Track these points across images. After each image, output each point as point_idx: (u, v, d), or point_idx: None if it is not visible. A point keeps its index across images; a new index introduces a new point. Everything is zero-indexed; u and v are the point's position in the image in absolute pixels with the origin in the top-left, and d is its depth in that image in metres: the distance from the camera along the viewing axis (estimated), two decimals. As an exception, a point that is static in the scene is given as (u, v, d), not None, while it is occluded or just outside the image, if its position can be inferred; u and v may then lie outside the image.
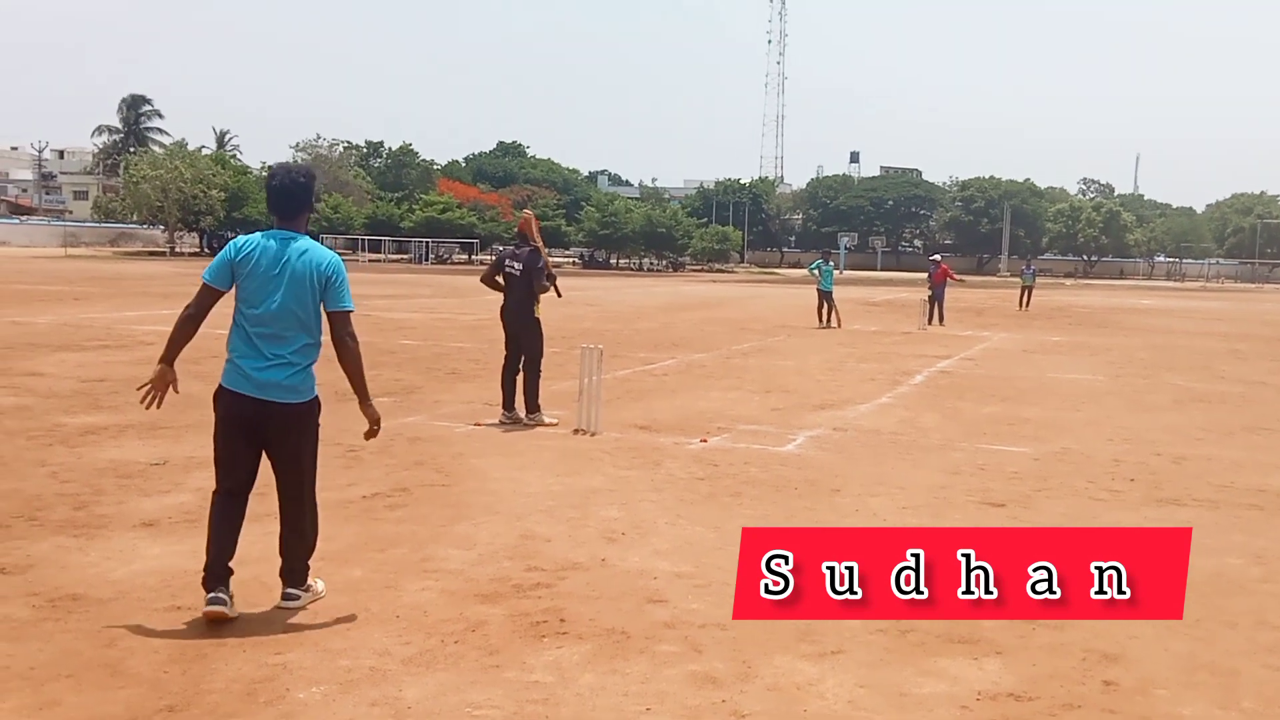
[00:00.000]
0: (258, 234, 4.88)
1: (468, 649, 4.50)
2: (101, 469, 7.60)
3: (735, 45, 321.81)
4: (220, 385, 4.77)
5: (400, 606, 4.98)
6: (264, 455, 4.87)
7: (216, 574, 4.68)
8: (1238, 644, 4.84)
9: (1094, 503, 7.50)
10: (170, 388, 4.83)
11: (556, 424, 9.84)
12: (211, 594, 4.63)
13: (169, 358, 4.80)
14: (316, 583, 5.05)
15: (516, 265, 10.12)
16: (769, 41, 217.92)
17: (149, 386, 4.80)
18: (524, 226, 10.37)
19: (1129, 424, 11.15)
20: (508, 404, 10.05)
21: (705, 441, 9.33)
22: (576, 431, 9.57)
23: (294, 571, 4.94)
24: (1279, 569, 6.04)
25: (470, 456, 8.41)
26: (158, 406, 4.85)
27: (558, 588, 5.32)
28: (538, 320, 10.11)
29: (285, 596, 4.89)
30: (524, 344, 10.08)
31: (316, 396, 4.91)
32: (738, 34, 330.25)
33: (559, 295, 10.49)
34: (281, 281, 4.71)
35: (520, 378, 10.06)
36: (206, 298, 4.79)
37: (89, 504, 6.65)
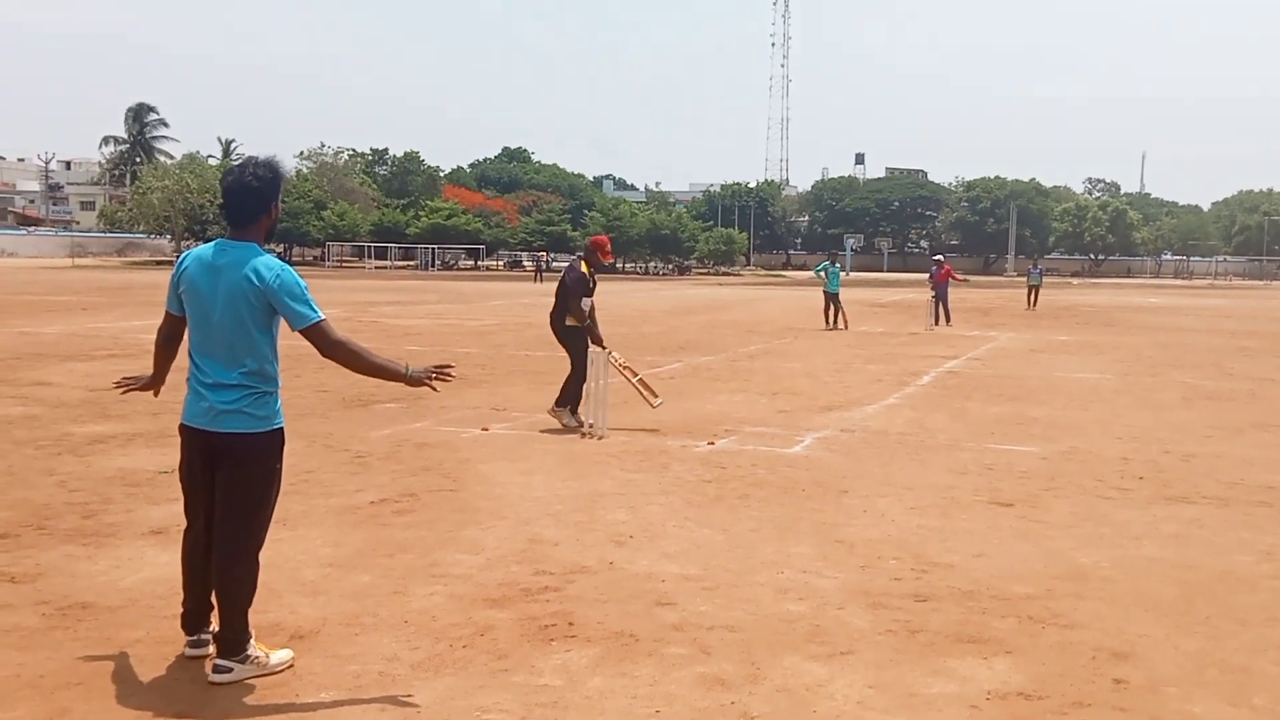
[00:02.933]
0: (206, 246, 4.32)
1: (476, 653, 4.50)
2: (110, 477, 7.62)
3: (740, 49, 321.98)
4: (181, 420, 4.32)
5: (408, 611, 4.98)
6: None
7: (194, 620, 4.38)
8: (1248, 641, 4.82)
9: (1103, 501, 7.48)
10: (145, 388, 4.58)
11: (573, 427, 9.87)
12: (192, 638, 4.40)
13: (157, 375, 4.57)
14: (265, 653, 4.28)
15: (567, 279, 10.26)
16: (772, 44, 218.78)
17: (132, 378, 4.58)
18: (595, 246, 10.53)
19: (1137, 422, 11.13)
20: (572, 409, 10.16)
21: (712, 444, 9.32)
22: (583, 435, 9.57)
23: (226, 640, 4.21)
24: (1289, 566, 6.01)
25: (477, 461, 8.42)
26: (122, 393, 4.64)
27: (566, 591, 5.32)
28: (573, 328, 10.18)
29: (215, 668, 4.20)
30: (567, 350, 10.23)
31: (278, 429, 4.27)
32: (742, 38, 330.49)
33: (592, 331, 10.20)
34: (216, 297, 4.14)
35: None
36: (166, 325, 4.39)
37: (97, 512, 6.66)
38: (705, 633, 4.78)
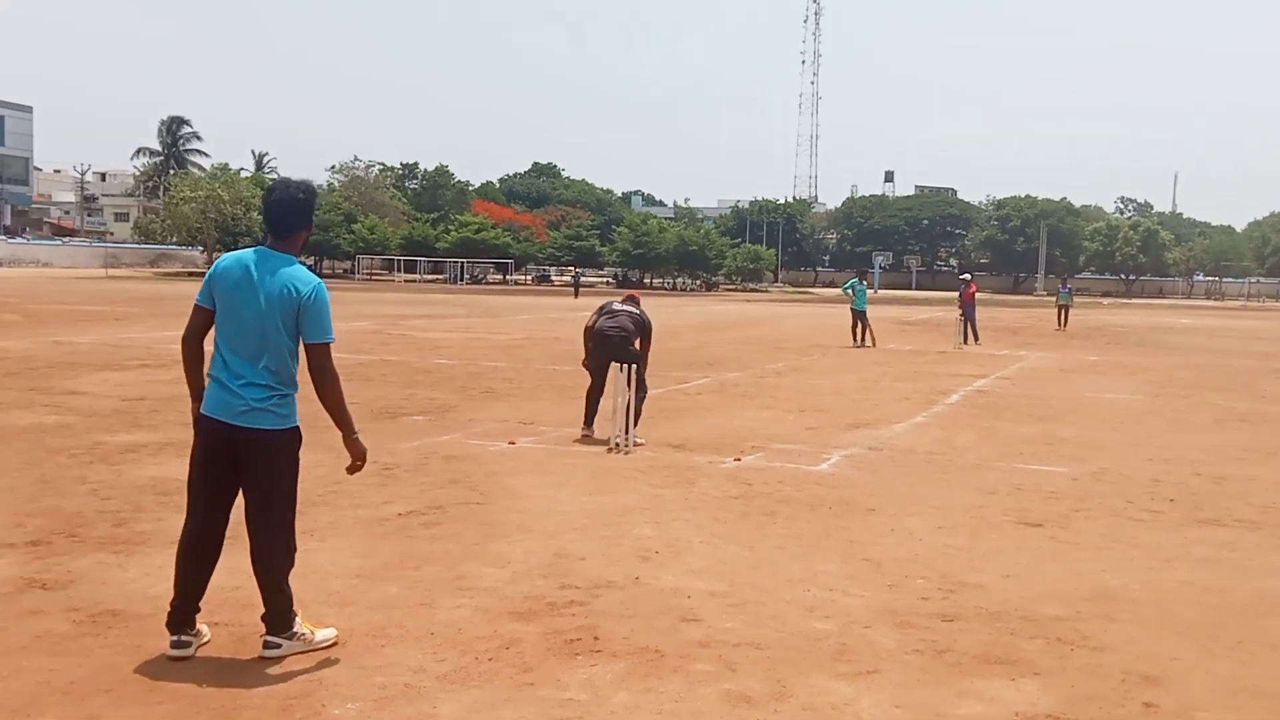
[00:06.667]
0: (246, 251, 4.59)
1: (502, 666, 4.51)
2: (141, 486, 7.68)
3: (770, 66, 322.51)
4: (200, 410, 4.52)
5: (435, 624, 5.00)
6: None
7: (181, 617, 4.50)
8: (1281, 667, 4.76)
9: (1133, 523, 7.41)
10: None
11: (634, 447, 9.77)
12: (175, 637, 4.47)
13: (195, 394, 4.60)
14: (311, 631, 4.62)
15: (628, 307, 10.54)
16: (803, 62, 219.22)
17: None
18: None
19: (1168, 444, 11.02)
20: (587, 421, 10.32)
21: (739, 460, 9.31)
22: (610, 450, 9.57)
23: (273, 618, 4.55)
24: (1323, 591, 5.94)
25: (504, 475, 8.43)
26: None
27: (592, 606, 5.32)
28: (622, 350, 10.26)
29: (265, 645, 4.53)
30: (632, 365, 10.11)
31: (296, 427, 4.55)
32: (772, 55, 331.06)
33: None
34: (254, 300, 4.40)
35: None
36: (195, 318, 4.55)
37: (129, 521, 6.72)
38: (731, 649, 4.77)
